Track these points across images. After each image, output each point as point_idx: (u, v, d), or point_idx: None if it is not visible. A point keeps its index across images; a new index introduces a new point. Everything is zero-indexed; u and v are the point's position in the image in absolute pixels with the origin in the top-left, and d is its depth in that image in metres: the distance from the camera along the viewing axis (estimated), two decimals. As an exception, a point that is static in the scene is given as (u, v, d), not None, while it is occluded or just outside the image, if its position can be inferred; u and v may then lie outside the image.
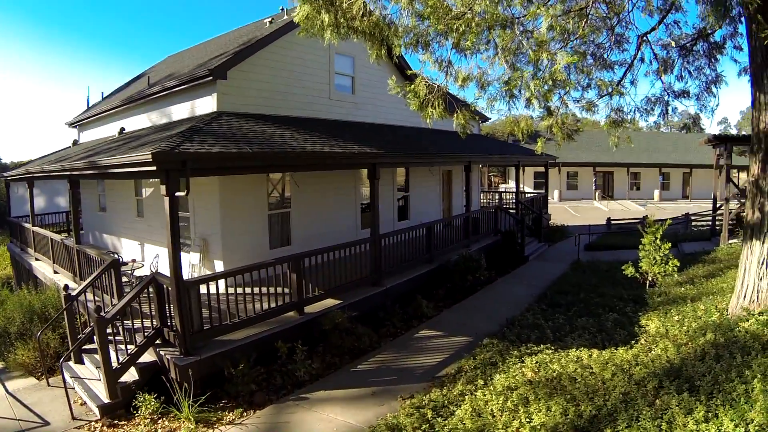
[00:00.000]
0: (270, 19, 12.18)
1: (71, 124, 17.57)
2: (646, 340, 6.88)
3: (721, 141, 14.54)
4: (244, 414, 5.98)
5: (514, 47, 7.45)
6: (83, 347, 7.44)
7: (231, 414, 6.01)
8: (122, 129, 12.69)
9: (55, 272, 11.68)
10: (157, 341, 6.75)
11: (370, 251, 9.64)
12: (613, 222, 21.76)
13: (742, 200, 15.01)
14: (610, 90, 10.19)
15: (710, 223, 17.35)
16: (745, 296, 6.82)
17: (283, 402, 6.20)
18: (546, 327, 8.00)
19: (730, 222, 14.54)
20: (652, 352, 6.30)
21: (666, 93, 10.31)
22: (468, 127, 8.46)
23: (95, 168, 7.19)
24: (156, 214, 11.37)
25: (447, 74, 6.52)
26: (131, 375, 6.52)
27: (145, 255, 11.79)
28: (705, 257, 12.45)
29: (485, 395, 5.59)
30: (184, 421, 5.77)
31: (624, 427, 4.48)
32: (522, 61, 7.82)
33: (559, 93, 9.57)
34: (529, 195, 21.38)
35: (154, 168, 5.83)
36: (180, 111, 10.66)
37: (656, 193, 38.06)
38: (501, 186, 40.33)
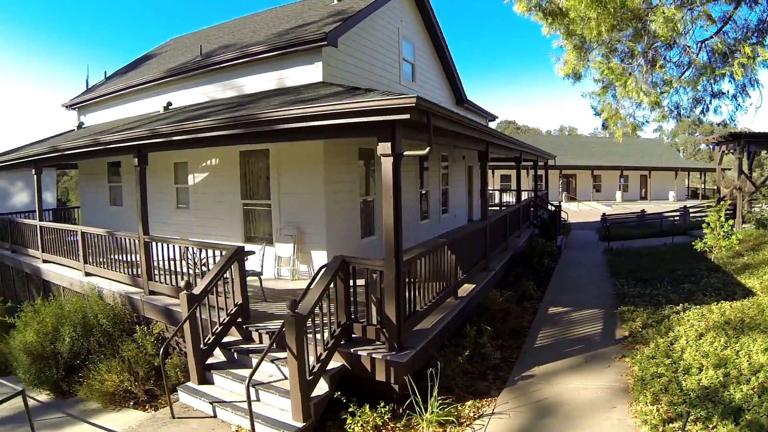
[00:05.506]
0: None
1: (70, 106, 16.33)
2: (764, 292, 8.85)
3: (735, 138, 17.60)
4: (479, 405, 5.73)
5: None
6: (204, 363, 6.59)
7: (465, 408, 5.66)
8: (169, 103, 12.32)
9: (87, 274, 10.29)
10: (342, 341, 6.13)
11: (481, 235, 10.39)
12: (608, 217, 24.73)
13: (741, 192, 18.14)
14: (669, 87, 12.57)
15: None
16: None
17: (511, 385, 6.12)
18: (664, 293, 9.59)
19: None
20: (787, 296, 8.21)
21: (706, 93, 12.92)
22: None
23: (247, 124, 6.53)
24: (207, 205, 11.02)
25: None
26: (319, 387, 5.69)
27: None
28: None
29: (689, 342, 6.57)
30: (425, 428, 5.21)
31: None
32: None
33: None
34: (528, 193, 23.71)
35: (397, 117, 5.22)
36: (258, 82, 10.29)
37: (618, 194, 43.04)
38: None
